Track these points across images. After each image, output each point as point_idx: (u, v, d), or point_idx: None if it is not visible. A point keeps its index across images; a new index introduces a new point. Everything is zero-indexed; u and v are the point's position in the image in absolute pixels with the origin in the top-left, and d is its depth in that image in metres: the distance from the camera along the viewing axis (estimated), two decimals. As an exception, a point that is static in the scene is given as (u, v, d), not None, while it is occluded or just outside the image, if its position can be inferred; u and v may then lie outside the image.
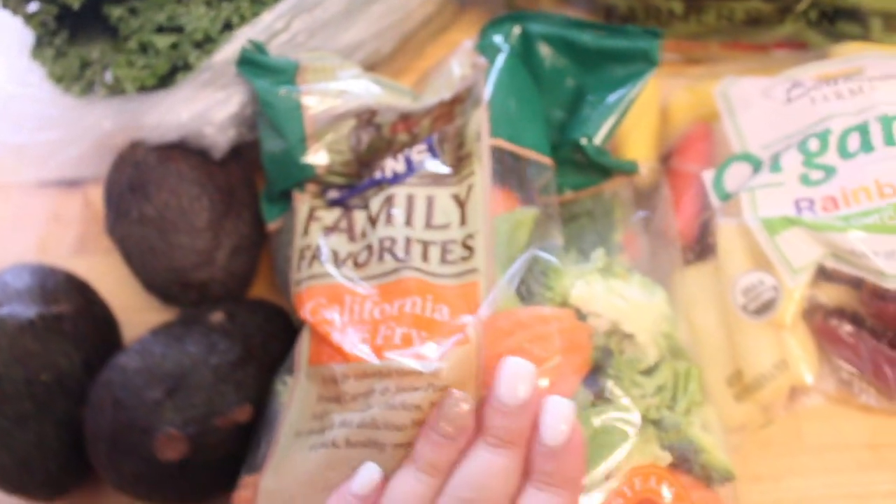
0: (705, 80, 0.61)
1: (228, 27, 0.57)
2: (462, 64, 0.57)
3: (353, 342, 0.48)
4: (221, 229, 0.57)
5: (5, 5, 0.59)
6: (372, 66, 0.63)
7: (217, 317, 0.54)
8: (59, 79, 0.60)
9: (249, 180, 0.61)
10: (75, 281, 0.58)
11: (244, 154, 0.60)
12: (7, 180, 0.70)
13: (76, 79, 0.60)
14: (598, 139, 0.55)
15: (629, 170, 0.56)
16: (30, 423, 0.52)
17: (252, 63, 0.55)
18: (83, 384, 0.54)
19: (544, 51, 0.59)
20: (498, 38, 0.58)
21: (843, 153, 0.54)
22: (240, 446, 0.50)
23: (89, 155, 0.61)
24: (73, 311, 0.55)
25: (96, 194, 0.68)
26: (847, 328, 0.53)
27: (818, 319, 0.54)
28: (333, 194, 0.55)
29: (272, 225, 0.57)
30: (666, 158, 0.60)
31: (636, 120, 0.60)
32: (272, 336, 0.55)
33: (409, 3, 0.62)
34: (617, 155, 0.60)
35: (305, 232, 0.54)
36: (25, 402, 0.52)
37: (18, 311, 0.53)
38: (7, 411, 0.52)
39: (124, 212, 0.58)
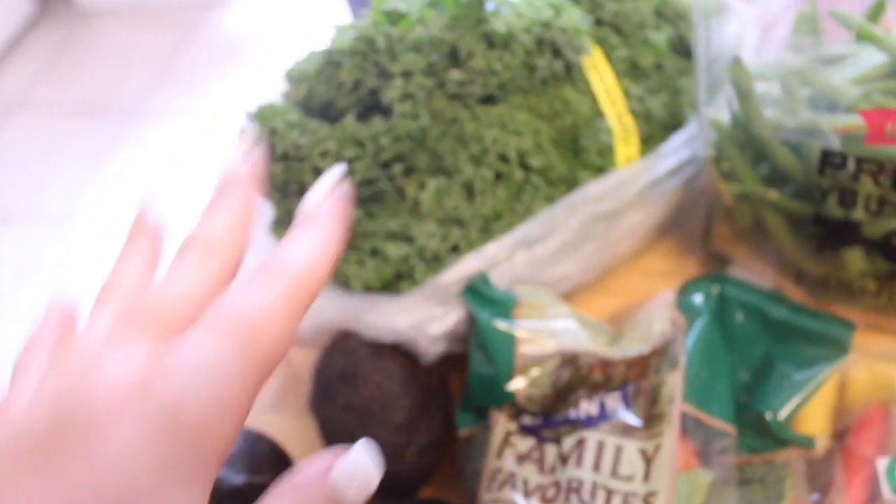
0: (887, 361, 0.64)
1: (455, 249, 0.63)
2: (662, 318, 0.61)
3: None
4: (416, 428, 0.62)
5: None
6: (571, 292, 0.68)
7: (405, 516, 0.58)
8: (292, 260, 0.67)
9: (445, 383, 0.66)
10: (278, 451, 0.63)
11: (443, 358, 0.65)
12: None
13: (307, 263, 0.67)
14: (782, 415, 0.59)
15: (806, 444, 0.60)
16: None
17: (476, 292, 0.61)
18: None
19: (739, 316, 0.63)
20: (698, 299, 0.62)
21: None
22: None
23: (306, 331, 0.67)
24: (274, 481, 0.61)
25: (298, 357, 0.74)
26: None
27: None
28: (527, 420, 0.60)
29: (463, 432, 0.62)
30: (840, 435, 0.63)
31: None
32: None
33: (619, 243, 0.67)
34: (792, 421, 0.63)
35: (499, 455, 0.58)
36: None
37: (229, 477, 0.59)
38: None
39: (331, 395, 0.63)
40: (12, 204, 2.21)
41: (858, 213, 0.61)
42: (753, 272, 0.70)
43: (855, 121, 0.57)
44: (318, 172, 0.64)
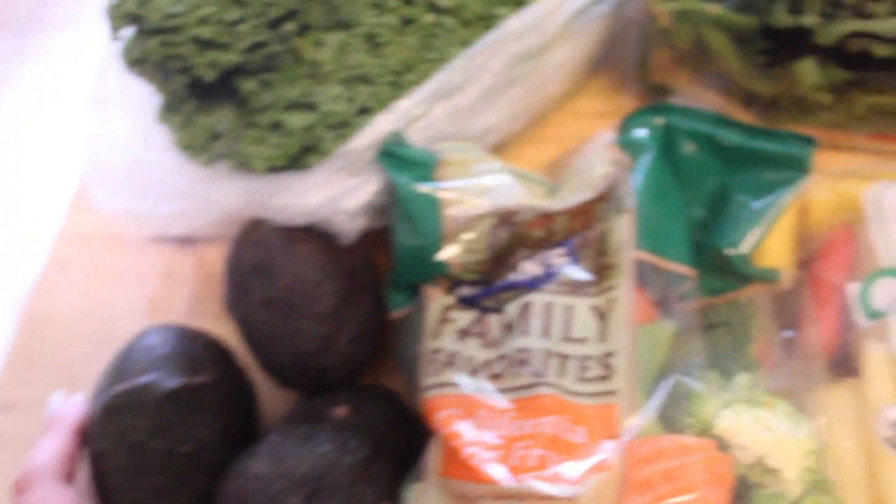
0: (849, 180, 0.58)
1: (364, 111, 0.56)
2: (603, 160, 0.55)
3: (487, 461, 0.47)
4: (344, 316, 0.56)
5: (139, 74, 0.58)
6: (500, 144, 0.61)
7: (342, 411, 0.53)
8: (185, 147, 0.60)
9: (370, 261, 0.59)
10: (218, 347, 0.57)
11: (367, 234, 0.59)
12: (123, 234, 0.69)
13: (203, 149, 0.59)
14: (743, 248, 0.53)
15: (771, 278, 0.54)
16: (167, 494, 0.52)
17: (392, 155, 0.54)
18: (221, 456, 0.53)
19: (688, 147, 0.57)
20: (641, 134, 0.56)
21: None
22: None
23: (210, 223, 0.60)
24: (215, 380, 0.55)
25: (209, 254, 0.68)
26: None
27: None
28: (465, 291, 0.54)
29: (397, 314, 0.56)
30: (805, 264, 0.57)
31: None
32: (395, 425, 0.54)
33: (547, 83, 0.60)
34: (753, 255, 0.58)
35: (437, 334, 0.52)
36: (164, 474, 0.52)
37: (162, 381, 0.53)
38: (146, 482, 0.52)
39: (246, 291, 0.57)
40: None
41: (809, 19, 0.55)
42: (698, 101, 0.64)
43: None
44: (199, 44, 0.55)
